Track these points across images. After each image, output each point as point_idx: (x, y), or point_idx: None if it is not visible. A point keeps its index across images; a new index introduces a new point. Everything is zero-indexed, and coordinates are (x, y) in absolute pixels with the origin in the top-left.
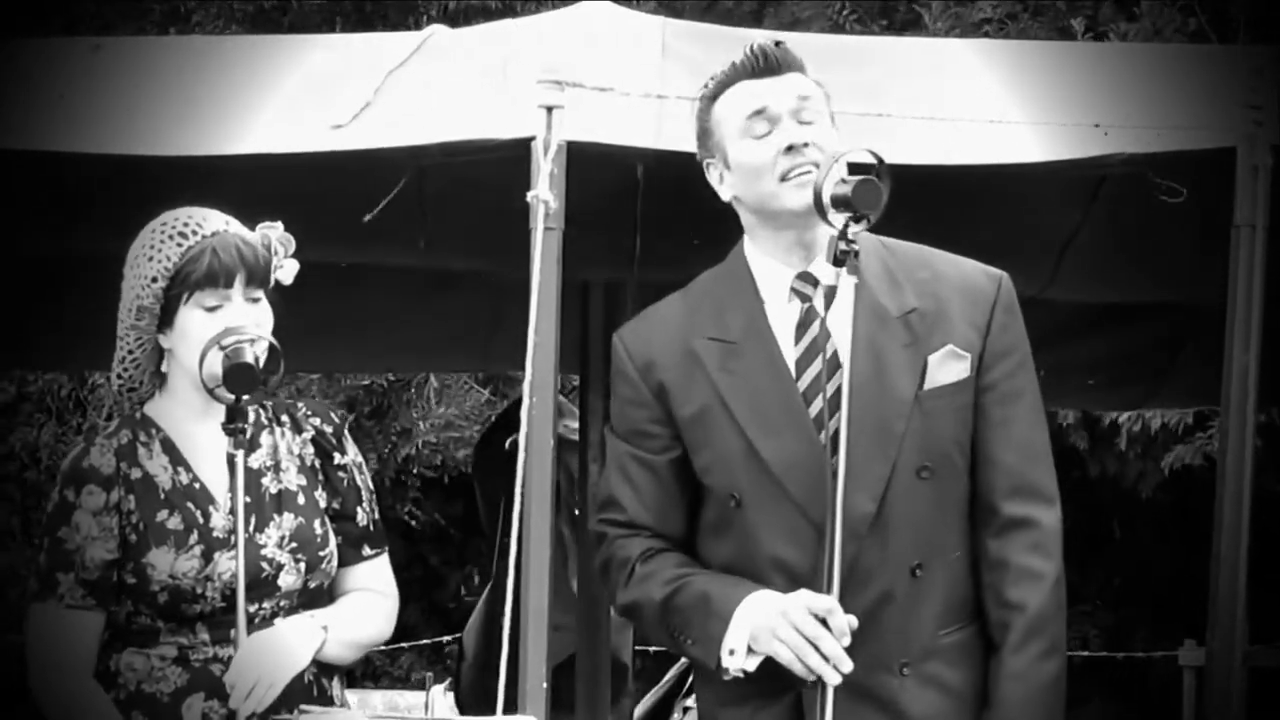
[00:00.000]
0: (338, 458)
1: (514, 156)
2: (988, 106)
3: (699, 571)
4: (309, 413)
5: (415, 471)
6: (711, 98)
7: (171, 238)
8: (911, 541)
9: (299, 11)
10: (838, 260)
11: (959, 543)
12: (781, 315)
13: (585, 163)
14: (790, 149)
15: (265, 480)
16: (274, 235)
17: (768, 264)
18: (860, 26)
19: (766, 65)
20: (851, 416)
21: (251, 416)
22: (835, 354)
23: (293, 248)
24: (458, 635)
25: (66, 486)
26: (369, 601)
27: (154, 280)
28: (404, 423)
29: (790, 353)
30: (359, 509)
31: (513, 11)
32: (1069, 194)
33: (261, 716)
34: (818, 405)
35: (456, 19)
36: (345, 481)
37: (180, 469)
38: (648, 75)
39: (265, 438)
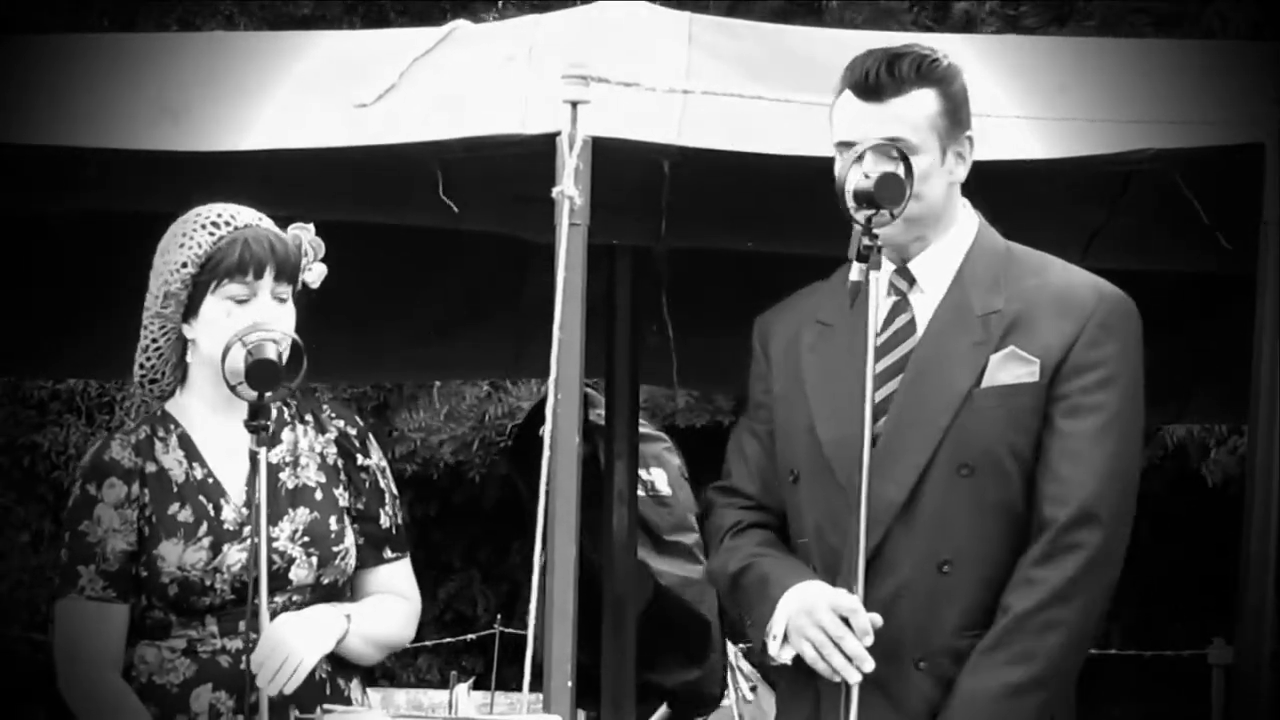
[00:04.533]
0: (360, 459)
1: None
2: (1014, 102)
3: (771, 553)
4: (333, 414)
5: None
6: (836, 93)
7: (204, 227)
8: (941, 537)
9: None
10: (861, 256)
11: (1000, 546)
12: (881, 305)
13: (610, 158)
14: None
15: (283, 475)
16: (305, 237)
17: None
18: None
19: (868, 87)
20: (903, 407)
21: (274, 413)
22: (911, 351)
23: (322, 251)
24: (465, 636)
25: (88, 481)
26: (390, 603)
27: (184, 266)
28: (400, 423)
29: (875, 342)
30: (381, 511)
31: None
32: (1096, 189)
33: (282, 717)
34: (883, 392)
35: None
36: (368, 483)
37: (195, 463)
38: (674, 70)
39: (286, 434)
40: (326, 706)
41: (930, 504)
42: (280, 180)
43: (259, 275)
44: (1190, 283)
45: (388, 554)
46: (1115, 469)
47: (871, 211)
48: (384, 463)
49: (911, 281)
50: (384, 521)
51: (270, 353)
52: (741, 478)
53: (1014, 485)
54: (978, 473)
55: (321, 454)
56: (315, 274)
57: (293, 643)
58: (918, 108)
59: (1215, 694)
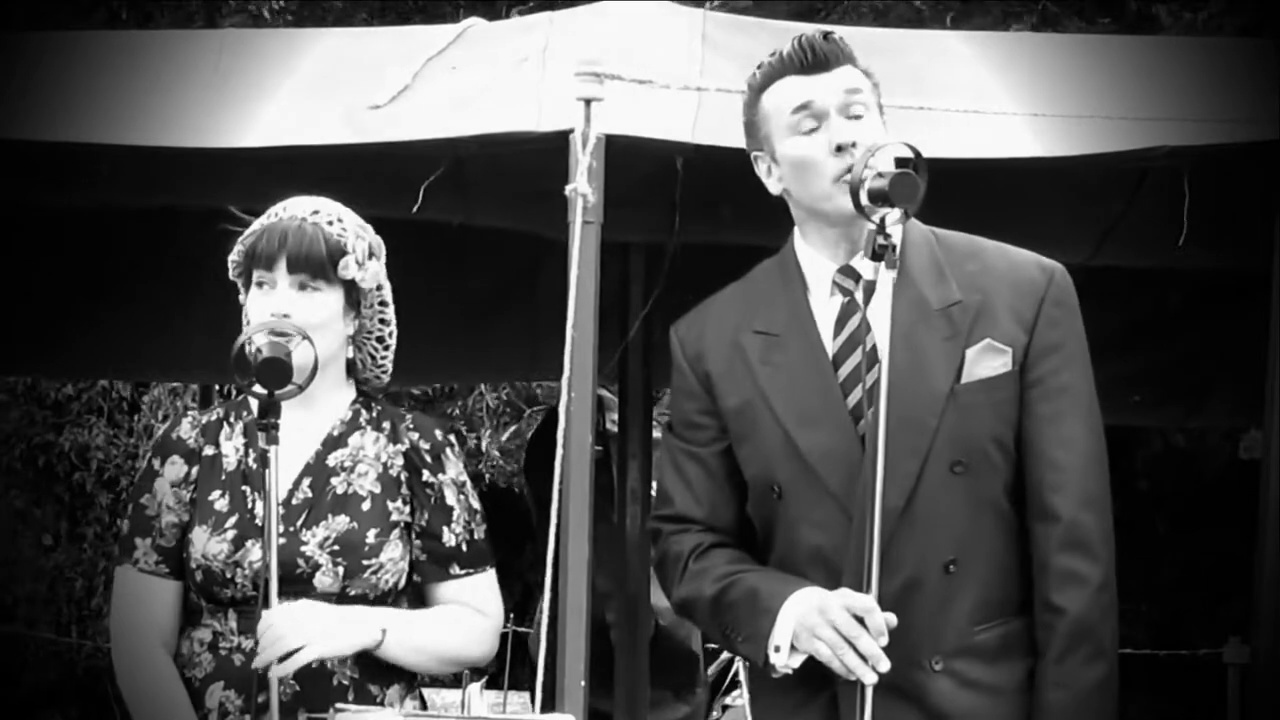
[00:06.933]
0: (426, 475)
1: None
2: (1028, 100)
3: (750, 568)
4: (411, 426)
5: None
6: (758, 90)
7: (262, 220)
8: (945, 537)
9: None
10: (876, 255)
11: (999, 538)
12: (825, 308)
13: (623, 155)
14: (840, 149)
15: (335, 480)
16: (349, 236)
17: (814, 257)
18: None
19: (814, 60)
20: (888, 410)
21: (348, 414)
22: (874, 347)
23: (382, 253)
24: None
25: (155, 455)
26: (455, 613)
27: (234, 257)
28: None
29: (830, 345)
30: (445, 528)
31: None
32: (1110, 186)
33: (291, 718)
34: (855, 396)
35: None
36: (433, 499)
37: (251, 451)
38: (687, 67)
39: (354, 438)
40: (339, 705)
41: (928, 505)
42: (292, 178)
43: (269, 267)
44: (1203, 281)
45: (455, 570)
46: (1096, 444)
47: (885, 210)
48: (463, 477)
49: (856, 278)
50: (448, 539)
51: (279, 351)
52: (686, 503)
53: (1003, 476)
54: (970, 469)
55: (386, 464)
56: (366, 273)
57: (285, 625)
58: (858, 78)
59: (1231, 693)
